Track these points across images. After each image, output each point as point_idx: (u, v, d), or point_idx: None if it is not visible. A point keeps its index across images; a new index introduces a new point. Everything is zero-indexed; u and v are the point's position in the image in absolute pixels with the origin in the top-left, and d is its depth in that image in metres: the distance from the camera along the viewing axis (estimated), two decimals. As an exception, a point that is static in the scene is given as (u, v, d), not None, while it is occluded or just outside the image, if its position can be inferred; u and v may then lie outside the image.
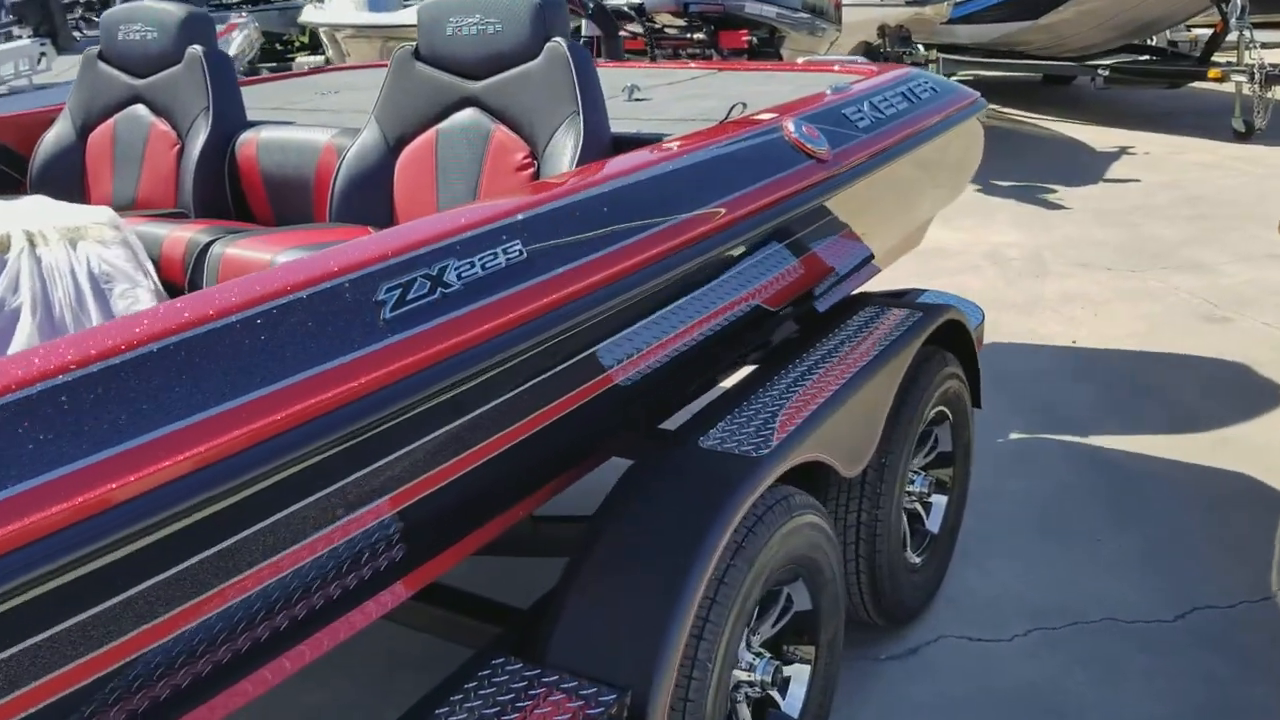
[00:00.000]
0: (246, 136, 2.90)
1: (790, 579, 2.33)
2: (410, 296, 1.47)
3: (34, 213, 2.43)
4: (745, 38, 4.64)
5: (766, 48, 4.58)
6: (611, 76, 3.65)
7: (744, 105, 2.53)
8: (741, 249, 2.27)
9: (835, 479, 2.66)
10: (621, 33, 5.21)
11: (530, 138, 2.49)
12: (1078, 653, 2.90)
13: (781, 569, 2.22)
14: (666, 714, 1.92)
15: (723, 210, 2.14)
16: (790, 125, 2.45)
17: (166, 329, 1.33)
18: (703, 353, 2.31)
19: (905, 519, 2.97)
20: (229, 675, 1.53)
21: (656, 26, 5.07)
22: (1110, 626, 3.01)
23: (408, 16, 8.11)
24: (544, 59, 2.48)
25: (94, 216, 2.44)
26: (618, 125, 2.64)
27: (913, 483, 2.98)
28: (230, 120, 2.91)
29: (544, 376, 1.84)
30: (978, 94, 3.45)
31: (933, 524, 3.12)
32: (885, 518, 2.70)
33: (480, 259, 1.59)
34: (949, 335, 3.06)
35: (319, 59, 12.66)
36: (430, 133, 2.60)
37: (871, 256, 3.00)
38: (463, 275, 1.55)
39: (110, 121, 3.09)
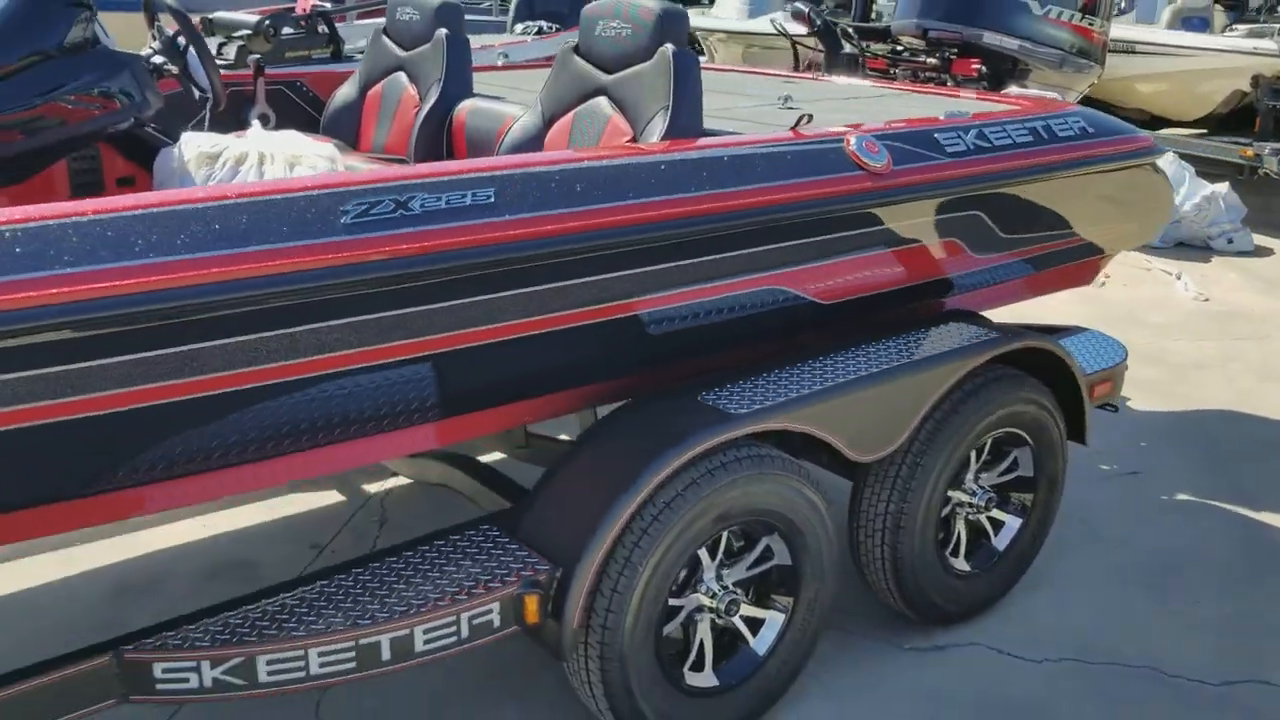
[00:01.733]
0: (465, 104, 3.59)
1: (765, 531, 2.65)
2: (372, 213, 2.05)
3: (278, 141, 3.22)
4: (975, 66, 4.74)
5: (1008, 78, 4.66)
6: (803, 89, 4.01)
7: (810, 116, 2.84)
8: (769, 235, 2.61)
9: (875, 467, 2.92)
10: (848, 49, 5.48)
11: (634, 124, 2.98)
12: (1099, 689, 2.95)
13: (744, 516, 2.55)
14: (586, 594, 2.35)
15: (742, 196, 2.50)
16: (853, 139, 2.74)
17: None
18: (724, 322, 2.67)
19: (960, 523, 3.14)
20: (261, 449, 2.15)
21: (899, 48, 5.27)
22: (1148, 675, 3.01)
23: (763, 25, 8.73)
24: (654, 60, 2.94)
25: (317, 150, 3.20)
26: (736, 125, 3.06)
27: (972, 493, 3.13)
28: (456, 90, 3.61)
29: (541, 287, 2.32)
30: (1148, 138, 3.46)
31: (1000, 542, 3.24)
32: (912, 513, 2.92)
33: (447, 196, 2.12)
34: (1046, 365, 3.17)
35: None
36: (570, 114, 3.16)
37: (966, 275, 3.17)
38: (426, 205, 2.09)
39: (381, 83, 3.90)
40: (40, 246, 1.85)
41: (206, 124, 3.47)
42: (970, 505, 3.15)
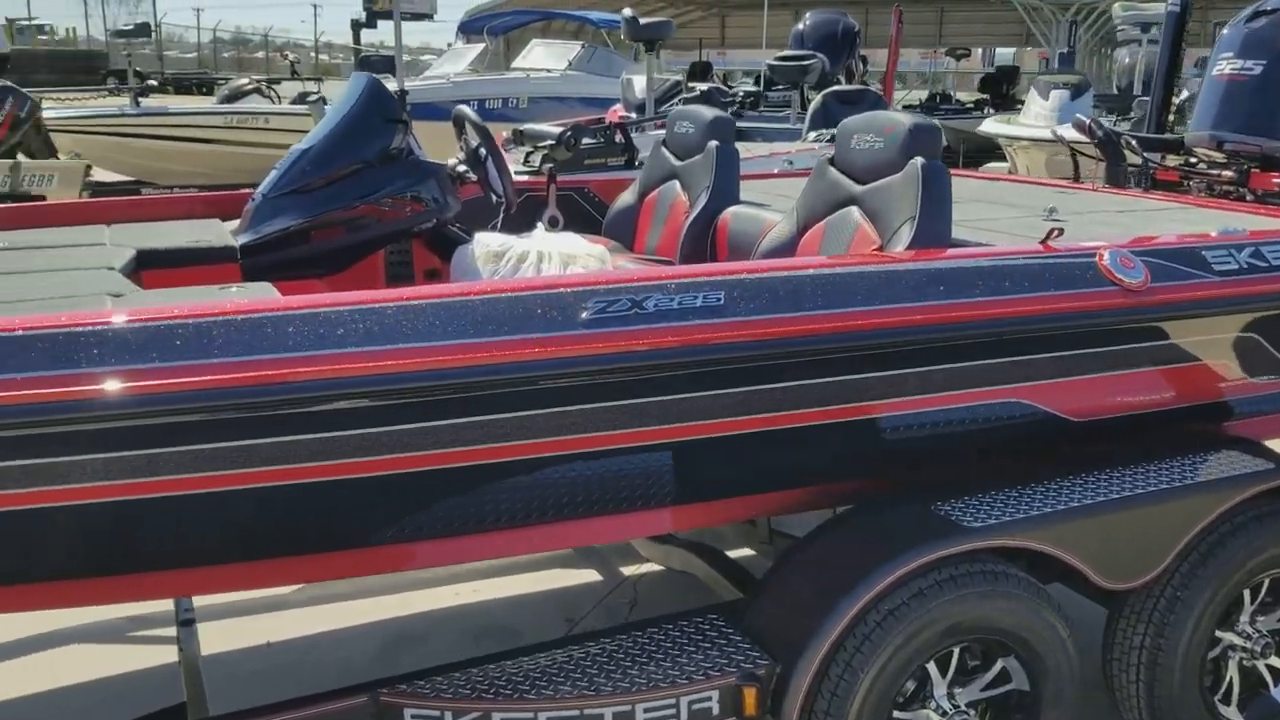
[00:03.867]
0: (729, 210, 3.77)
1: (1001, 652, 2.57)
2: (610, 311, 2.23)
3: (556, 242, 3.51)
4: (1277, 180, 4.39)
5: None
6: (1075, 200, 3.92)
7: (1061, 231, 2.78)
8: (1010, 347, 2.59)
9: (1131, 597, 2.77)
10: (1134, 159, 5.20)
11: (882, 234, 3.05)
12: None
13: (976, 633, 2.50)
14: (805, 694, 2.37)
15: (981, 307, 2.50)
16: (1107, 254, 2.67)
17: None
18: (963, 432, 2.65)
19: (1232, 668, 2.91)
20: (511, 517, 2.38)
21: (1193, 160, 4.96)
22: None
23: (1070, 133, 8.55)
24: (904, 172, 3.04)
25: (589, 250, 3.47)
26: (990, 236, 3.06)
27: (1246, 637, 2.89)
28: (722, 197, 3.80)
29: (767, 386, 2.42)
30: None
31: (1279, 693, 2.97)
32: (1170, 650, 2.74)
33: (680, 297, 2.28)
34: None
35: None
36: (823, 223, 3.27)
37: (1241, 401, 2.97)
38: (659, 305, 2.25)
39: (657, 190, 4.16)
40: (350, 328, 2.15)
41: (499, 225, 3.83)
42: (1244, 650, 2.91)
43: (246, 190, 3.68)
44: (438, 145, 4.48)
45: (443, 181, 3.52)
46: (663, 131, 4.41)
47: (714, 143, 3.87)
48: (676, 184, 4.08)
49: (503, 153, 3.65)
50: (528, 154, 6.02)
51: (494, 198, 3.79)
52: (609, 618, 3.71)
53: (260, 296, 2.59)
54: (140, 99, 12.06)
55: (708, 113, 3.99)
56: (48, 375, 1.96)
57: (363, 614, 3.67)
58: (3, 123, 7.80)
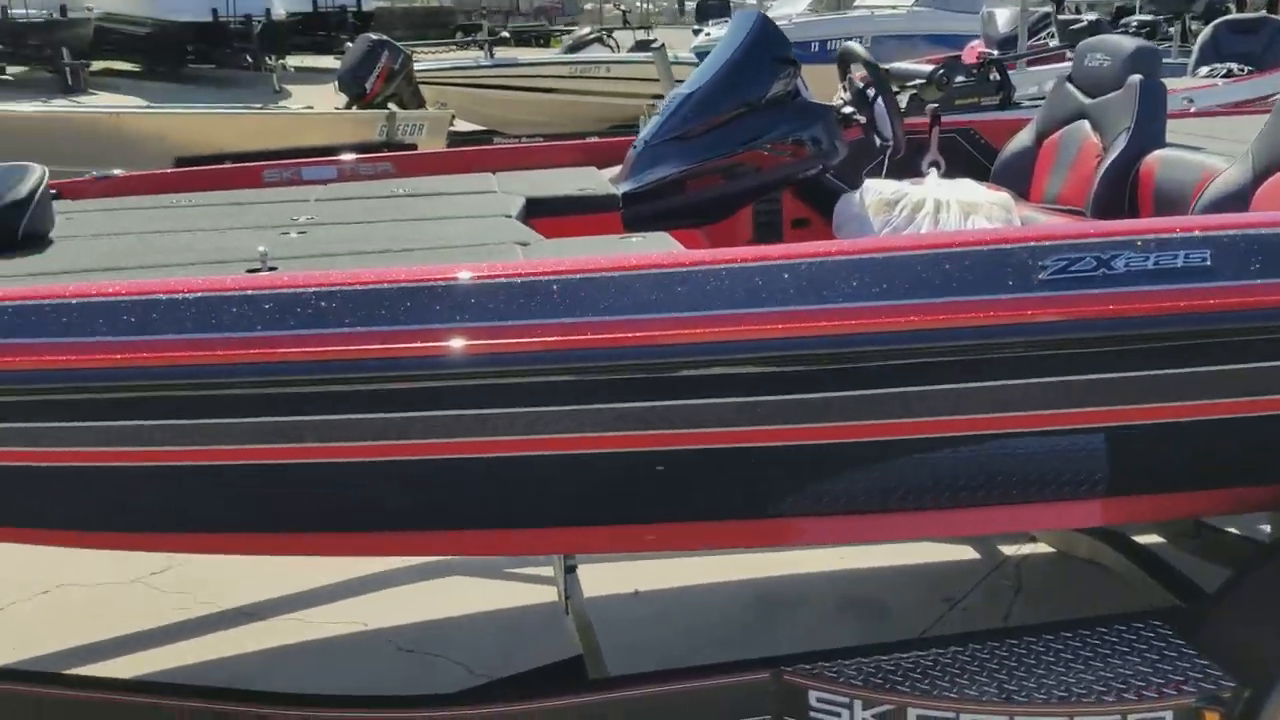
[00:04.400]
0: (1155, 155, 3.31)
1: None
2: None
3: (954, 189, 3.22)
4: None
5: None
6: None
7: None
8: None
9: None
10: None
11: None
12: None
13: None
14: (1277, 724, 2.02)
15: None
16: None
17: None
18: None
19: None
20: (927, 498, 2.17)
21: None
22: None
23: None
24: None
25: (992, 199, 3.15)
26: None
27: None
28: (1146, 140, 3.34)
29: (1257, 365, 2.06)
30: None
31: None
32: None
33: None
34: None
35: None
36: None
37: None
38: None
39: (1059, 132, 3.74)
40: (740, 286, 2.00)
41: (884, 171, 3.57)
42: None
43: (627, 138, 3.63)
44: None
45: (830, 125, 3.30)
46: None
47: (1136, 77, 3.41)
48: (1086, 124, 3.64)
49: (892, 89, 3.38)
50: (895, 93, 5.69)
51: (879, 141, 3.54)
52: (990, 602, 3.43)
53: (662, 248, 2.49)
54: (493, 51, 12.62)
55: (1128, 43, 3.53)
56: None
57: (727, 569, 3.57)
58: (379, 75, 8.34)
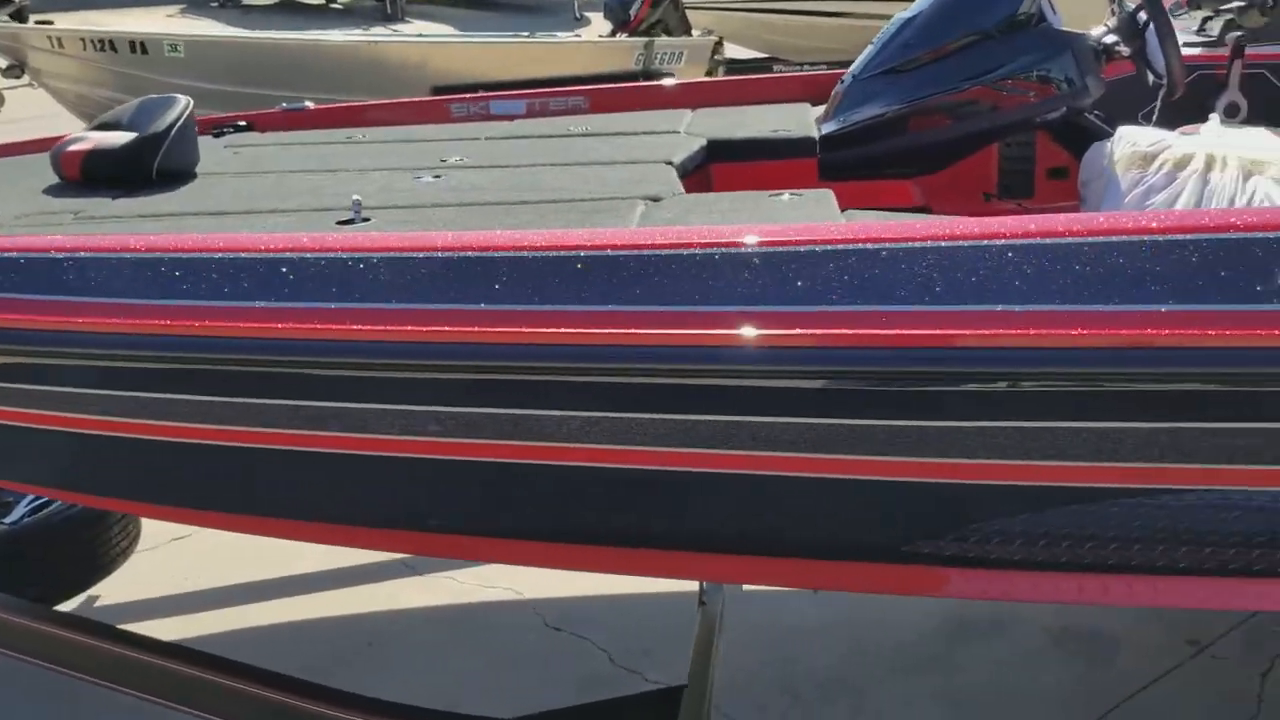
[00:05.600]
0: None
1: None
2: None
3: (1238, 141, 2.54)
4: None
5: None
6: None
7: None
8: None
9: None
10: None
11: None
12: None
13: None
14: None
15: None
16: None
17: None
18: None
19: None
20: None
21: None
22: None
23: None
24: None
25: (1286, 154, 2.45)
26: None
27: None
28: None
29: None
30: None
31: None
32: None
33: None
34: None
35: None
36: None
37: None
38: None
39: None
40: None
41: (1155, 115, 2.91)
42: None
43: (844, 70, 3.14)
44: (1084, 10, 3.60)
45: (1082, 57, 2.69)
46: None
47: None
48: None
49: (1167, 14, 2.71)
50: (1205, 19, 4.79)
51: (1152, 78, 2.87)
52: (1249, 649, 2.78)
53: (818, 210, 2.05)
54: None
55: None
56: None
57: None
58: (644, 1, 8.06)
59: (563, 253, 1.61)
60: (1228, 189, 2.39)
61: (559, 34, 10.64)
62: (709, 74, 7.92)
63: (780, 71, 7.78)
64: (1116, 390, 1.48)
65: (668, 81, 4.17)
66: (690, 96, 3.53)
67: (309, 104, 3.51)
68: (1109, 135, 2.78)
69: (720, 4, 10.23)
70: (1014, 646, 2.82)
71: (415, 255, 1.60)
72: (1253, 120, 3.29)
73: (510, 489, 1.73)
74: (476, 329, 1.52)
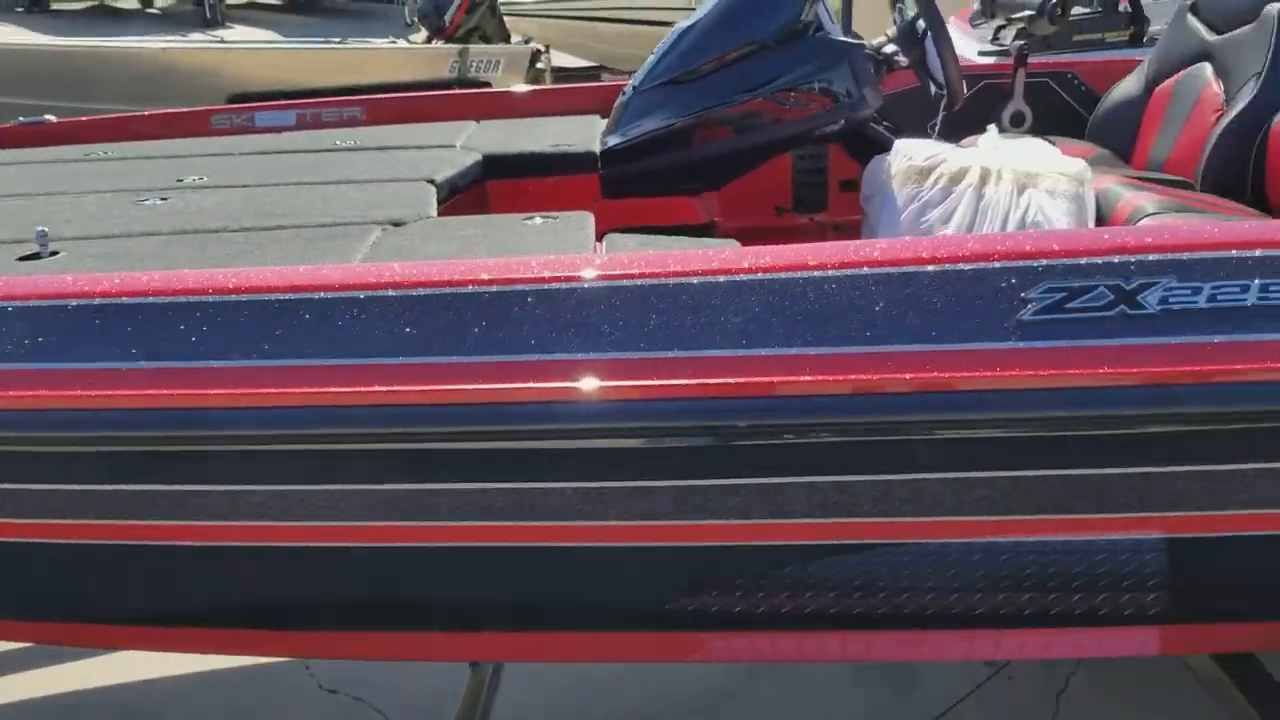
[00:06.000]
0: None
1: None
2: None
3: (1013, 152, 2.49)
4: None
5: None
6: None
7: None
8: None
9: None
10: None
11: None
12: None
13: None
14: None
15: None
16: None
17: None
18: None
19: None
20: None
21: None
22: None
23: None
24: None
25: (1061, 166, 2.41)
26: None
27: None
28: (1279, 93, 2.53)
29: None
30: None
31: None
32: None
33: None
34: None
35: None
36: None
37: None
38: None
39: (1174, 77, 2.93)
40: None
41: (937, 127, 2.86)
42: None
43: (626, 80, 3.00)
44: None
45: (858, 67, 2.61)
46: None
47: (1276, 6, 2.59)
48: (1208, 69, 2.83)
49: (946, 25, 2.65)
50: (999, 28, 4.84)
51: (934, 89, 2.82)
52: (1046, 667, 2.74)
53: (571, 238, 1.89)
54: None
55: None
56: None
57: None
58: (459, 7, 7.81)
59: (246, 296, 1.39)
60: (1002, 203, 2.34)
61: (374, 40, 10.27)
62: (535, 83, 7.72)
63: (607, 80, 7.64)
64: (843, 442, 1.36)
65: (457, 91, 3.97)
66: (478, 107, 3.34)
67: (50, 118, 3.19)
68: (889, 149, 2.71)
69: (536, 11, 10.02)
70: (816, 677, 2.72)
71: (60, 303, 1.36)
72: (1038, 129, 3.29)
73: (183, 572, 1.51)
74: (126, 392, 1.29)
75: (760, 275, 1.33)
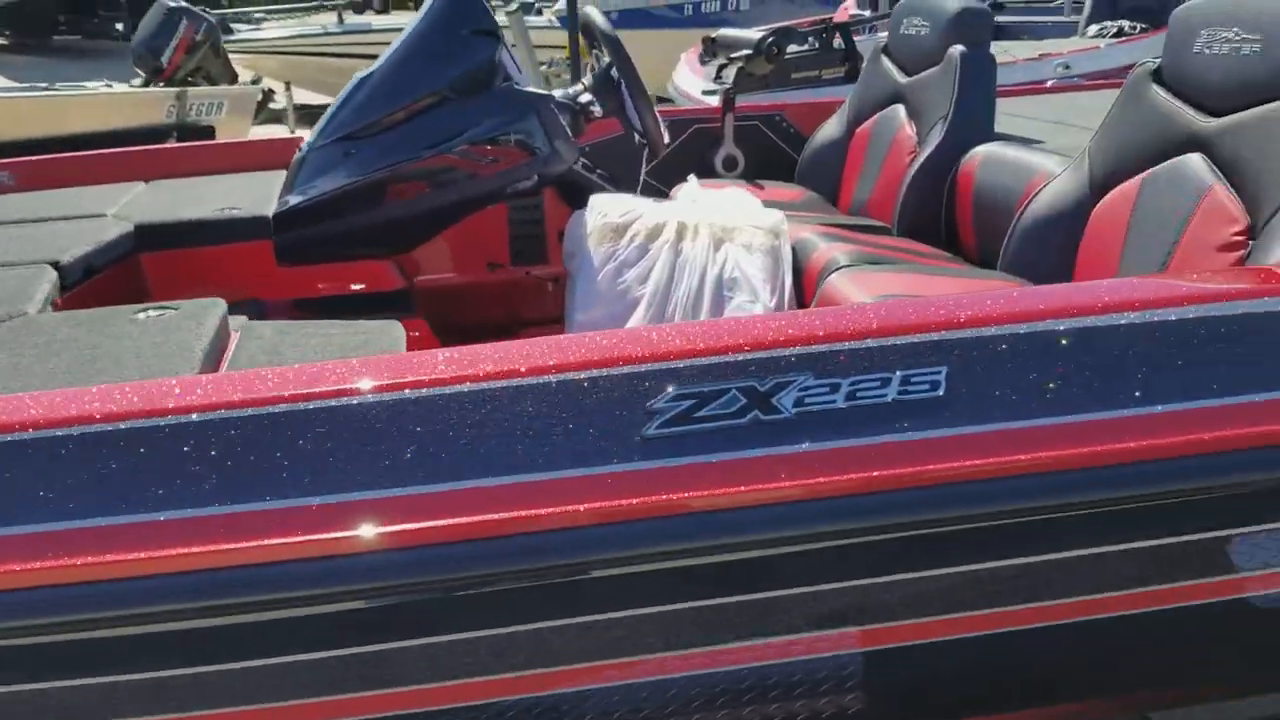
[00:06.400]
0: (977, 152, 2.51)
1: None
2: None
3: (711, 205, 2.40)
4: None
5: None
6: None
7: None
8: None
9: None
10: None
11: (1253, 206, 1.70)
12: None
13: None
14: None
15: None
16: None
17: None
18: None
19: None
20: None
21: None
22: None
23: None
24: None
25: (759, 219, 2.33)
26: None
27: None
28: (968, 131, 2.54)
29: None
30: None
31: None
32: None
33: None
34: None
35: None
36: (1136, 179, 1.94)
37: None
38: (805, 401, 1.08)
39: (872, 119, 2.93)
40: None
41: (641, 177, 2.75)
42: None
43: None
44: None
45: (547, 119, 2.45)
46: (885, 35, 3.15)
47: (958, 48, 2.61)
48: (902, 110, 2.83)
49: (639, 76, 2.53)
50: (720, 68, 4.84)
51: (636, 137, 2.71)
52: None
53: (185, 334, 1.63)
54: (343, 16, 11.45)
55: (951, 2, 2.70)
56: None
57: None
58: (178, 46, 7.29)
59: None
60: (699, 258, 2.23)
61: (88, 84, 9.53)
62: (276, 123, 7.30)
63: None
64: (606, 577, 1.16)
65: (131, 149, 3.60)
66: (157, 165, 3.01)
67: None
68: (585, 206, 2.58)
69: (272, 48, 9.56)
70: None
71: None
72: (750, 172, 3.24)
73: None
74: None
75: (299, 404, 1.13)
